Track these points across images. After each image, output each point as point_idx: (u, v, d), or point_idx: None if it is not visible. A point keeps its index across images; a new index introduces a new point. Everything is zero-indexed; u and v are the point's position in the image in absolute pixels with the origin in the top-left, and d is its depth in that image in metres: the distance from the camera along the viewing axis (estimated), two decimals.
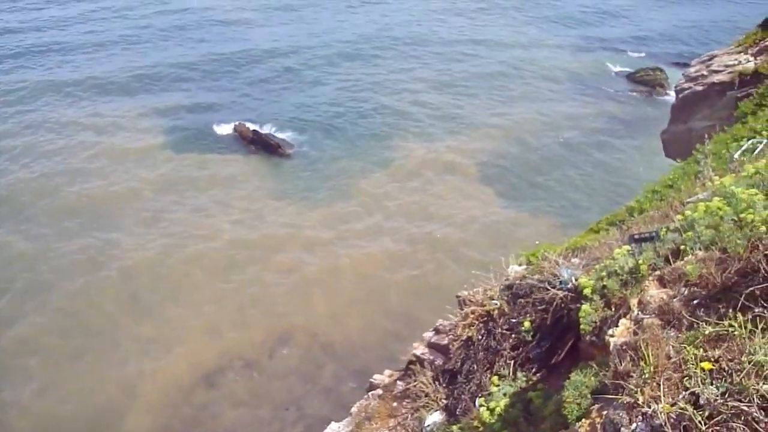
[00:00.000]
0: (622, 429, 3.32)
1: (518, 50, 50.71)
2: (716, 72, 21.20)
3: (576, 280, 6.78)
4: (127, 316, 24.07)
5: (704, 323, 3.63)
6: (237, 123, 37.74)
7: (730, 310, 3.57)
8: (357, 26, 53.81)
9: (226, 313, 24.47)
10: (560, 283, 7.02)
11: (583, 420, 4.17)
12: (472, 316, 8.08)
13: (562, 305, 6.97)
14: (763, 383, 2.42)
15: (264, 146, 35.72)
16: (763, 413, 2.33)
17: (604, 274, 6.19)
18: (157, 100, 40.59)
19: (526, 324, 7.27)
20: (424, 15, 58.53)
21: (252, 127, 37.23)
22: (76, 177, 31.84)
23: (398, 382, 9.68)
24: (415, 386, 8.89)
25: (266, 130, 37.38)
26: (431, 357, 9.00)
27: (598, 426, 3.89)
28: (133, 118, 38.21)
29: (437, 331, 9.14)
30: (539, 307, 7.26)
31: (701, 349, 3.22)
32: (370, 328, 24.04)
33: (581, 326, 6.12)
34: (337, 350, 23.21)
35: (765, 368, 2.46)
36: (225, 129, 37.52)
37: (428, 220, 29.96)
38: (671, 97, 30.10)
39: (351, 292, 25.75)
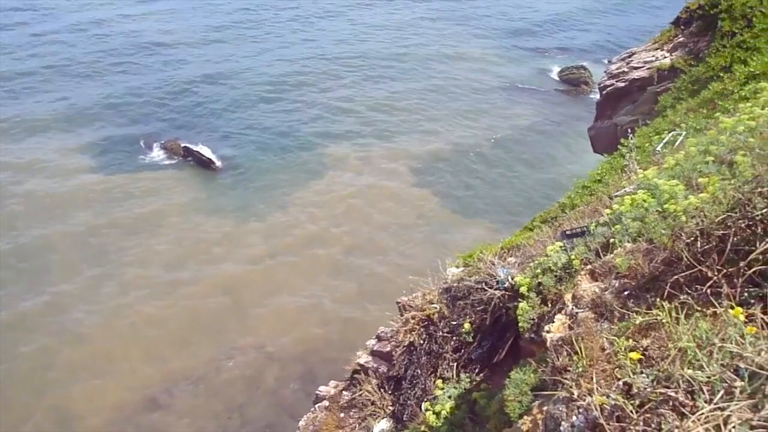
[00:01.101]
0: (563, 423, 3.35)
1: (445, 57, 51.32)
2: (636, 68, 21.93)
3: (512, 279, 6.87)
4: (62, 344, 23.23)
5: (634, 313, 3.71)
6: (167, 140, 36.97)
7: (658, 299, 3.65)
8: (284, 44, 53.35)
9: (167, 334, 23.92)
10: (497, 283, 7.10)
11: (525, 417, 4.21)
12: (412, 321, 8.09)
13: (500, 305, 7.05)
14: (688, 368, 2.48)
15: (196, 162, 35.12)
16: (689, 397, 2.39)
17: (538, 271, 6.30)
18: (85, 124, 39.05)
19: (466, 326, 7.32)
20: (351, 29, 58.57)
21: (182, 142, 36.53)
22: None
23: (344, 393, 9.62)
24: (360, 395, 8.84)
25: (197, 143, 36.72)
26: (375, 365, 8.97)
27: (540, 422, 3.93)
28: (59, 147, 36.71)
29: (379, 339, 9.11)
30: (478, 308, 7.32)
31: (631, 340, 3.28)
32: (315, 336, 23.94)
33: (519, 324, 6.20)
34: (282, 359, 23.10)
35: (689, 354, 2.53)
36: (156, 148, 36.65)
37: (364, 227, 30.00)
38: (596, 94, 30.98)
39: (292, 303, 25.57)
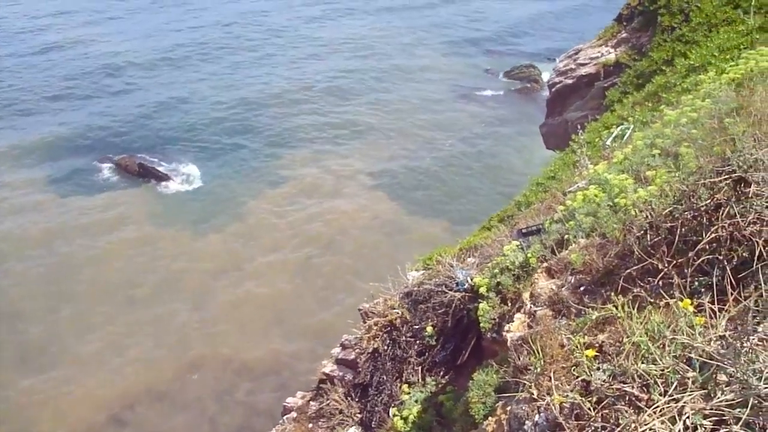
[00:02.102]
0: (526, 422, 3.38)
1: (395, 59, 51.54)
2: (583, 65, 22.35)
3: (471, 280, 6.92)
4: (19, 366, 22.66)
5: (590, 309, 3.76)
6: (121, 157, 36.31)
7: (613, 293, 3.71)
8: (238, 61, 52.68)
9: (128, 352, 23.52)
10: (457, 284, 7.15)
11: (490, 418, 4.23)
12: (375, 327, 8.09)
13: (461, 306, 7.09)
14: (642, 362, 2.53)
15: (152, 178, 34.61)
16: (644, 391, 2.43)
17: (497, 271, 6.35)
18: (36, 149, 37.93)
19: (429, 329, 7.35)
20: (301, 46, 58.33)
21: (137, 159, 35.93)
22: None
23: (311, 403, 9.55)
24: (328, 405, 8.80)
25: (152, 159, 36.21)
26: (341, 373, 8.94)
27: (504, 422, 3.95)
28: (8, 167, 35.84)
29: (344, 347, 9.09)
30: (439, 311, 7.35)
31: (588, 335, 3.33)
32: (280, 347, 23.82)
33: (481, 324, 6.24)
34: (250, 370, 22.96)
35: (642, 348, 2.58)
36: (109, 165, 35.95)
37: (323, 235, 29.95)
38: (546, 92, 31.46)
39: (256, 315, 25.40)
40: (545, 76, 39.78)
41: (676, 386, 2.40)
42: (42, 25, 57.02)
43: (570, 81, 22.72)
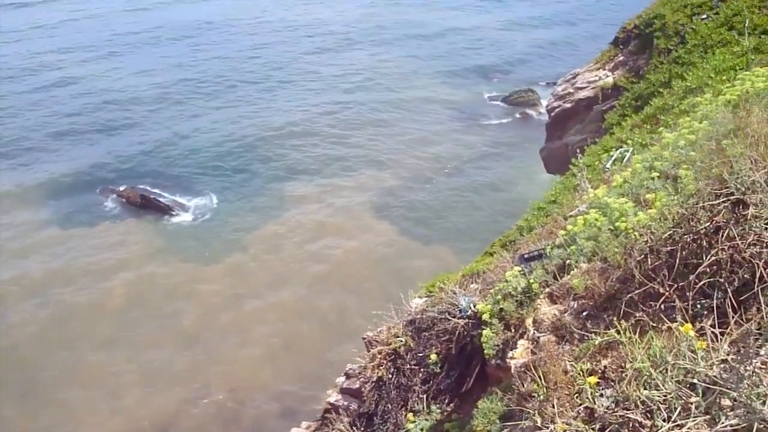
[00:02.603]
0: None
1: (395, 88, 51.85)
2: (581, 89, 22.51)
3: (474, 306, 6.90)
4: (18, 403, 22.51)
5: (593, 334, 3.76)
6: (123, 188, 36.46)
7: (615, 318, 3.70)
8: (236, 90, 53.16)
9: (131, 385, 23.40)
10: (460, 311, 7.13)
11: None
12: (379, 356, 8.05)
13: (465, 333, 7.06)
14: (645, 388, 2.52)
15: (154, 209, 34.68)
16: (648, 417, 2.42)
17: (499, 297, 6.34)
18: (33, 175, 38.45)
19: (433, 357, 7.31)
20: (293, 55, 58.92)
21: (139, 190, 36.05)
22: None
23: None
24: None
25: (154, 189, 36.32)
26: (345, 403, 8.87)
27: None
28: (5, 198, 36.03)
29: (348, 376, 9.04)
30: (443, 338, 7.32)
31: (591, 361, 3.32)
32: (285, 377, 23.69)
33: (485, 351, 6.22)
34: (256, 399, 22.81)
35: (644, 374, 2.57)
36: (111, 196, 36.09)
37: (326, 263, 29.92)
38: (545, 116, 31.64)
39: (260, 347, 25.26)
40: (544, 101, 40.00)
41: (679, 412, 2.39)
42: (43, 62, 57.57)
43: (569, 105, 22.86)
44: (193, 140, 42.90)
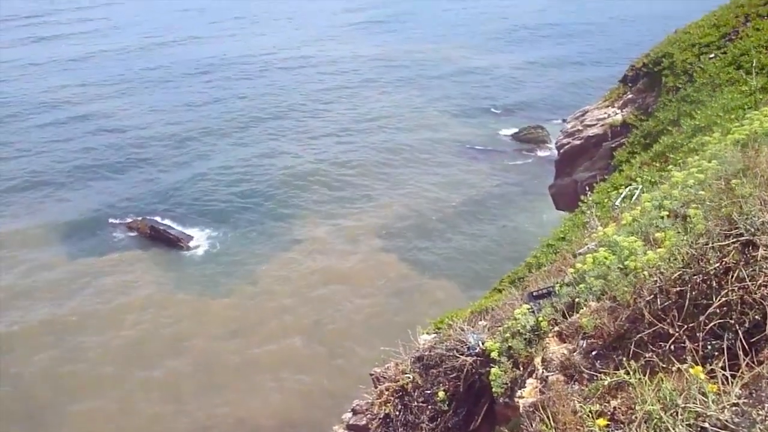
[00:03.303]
0: None
1: (404, 123, 52.23)
2: (590, 126, 22.59)
3: (483, 344, 6.86)
4: (26, 426, 22.42)
5: (602, 375, 3.72)
6: (133, 220, 36.70)
7: (624, 358, 3.68)
8: (245, 107, 54.03)
9: (138, 414, 23.27)
10: (468, 349, 7.08)
11: None
12: (386, 392, 7.98)
13: (473, 371, 7.00)
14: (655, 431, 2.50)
15: (163, 241, 34.82)
16: None
17: (508, 335, 6.29)
18: (45, 206, 38.87)
19: (441, 394, 7.25)
20: (304, 93, 59.56)
21: (149, 222, 36.26)
22: None
23: None
24: None
25: (164, 221, 36.50)
26: None
27: None
28: (20, 229, 36.30)
29: (355, 412, 8.94)
30: (451, 376, 7.26)
31: (599, 403, 3.29)
32: (291, 412, 23.51)
33: (493, 389, 6.16)
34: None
35: (654, 417, 2.55)
36: (121, 227, 36.33)
37: (334, 297, 29.88)
38: (554, 152, 31.72)
39: (266, 378, 25.16)
40: (553, 138, 40.14)
41: None
42: (56, 97, 58.52)
43: (578, 142, 22.93)
44: (203, 175, 43.24)
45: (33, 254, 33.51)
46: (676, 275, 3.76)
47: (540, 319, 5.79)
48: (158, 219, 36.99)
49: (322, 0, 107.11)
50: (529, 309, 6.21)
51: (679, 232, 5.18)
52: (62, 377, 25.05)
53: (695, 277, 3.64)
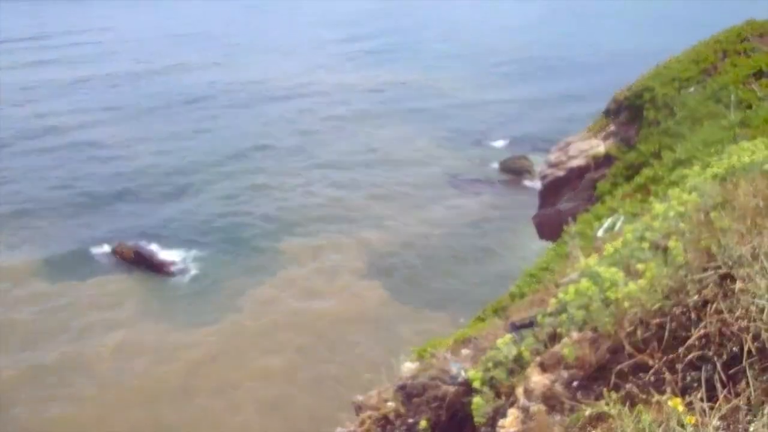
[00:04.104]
0: None
1: (391, 153, 52.50)
2: (573, 157, 22.87)
3: (465, 373, 6.85)
4: None
5: (584, 405, 3.75)
6: (117, 243, 36.37)
7: (605, 389, 3.70)
8: (236, 145, 53.98)
9: None
10: (450, 378, 7.07)
11: None
12: (369, 420, 7.93)
13: (456, 400, 6.99)
14: None
15: (147, 266, 34.53)
16: None
17: (490, 364, 6.30)
18: (27, 230, 38.47)
19: (423, 423, 7.21)
20: (294, 122, 59.90)
21: (133, 246, 35.95)
22: None
23: None
24: None
25: (149, 246, 36.22)
26: None
27: None
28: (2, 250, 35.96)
29: None
30: (434, 405, 7.24)
31: None
32: None
33: (475, 419, 6.14)
34: None
35: None
36: (105, 251, 36.00)
37: (317, 325, 29.71)
38: (538, 182, 31.98)
39: (249, 406, 24.89)
40: (537, 168, 40.50)
41: None
42: (48, 122, 58.43)
43: (561, 173, 23.17)
44: (188, 199, 43.18)
45: (9, 275, 33.09)
46: (656, 307, 3.81)
47: (522, 349, 5.81)
48: (143, 243, 36.71)
49: (314, 30, 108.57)
50: (511, 339, 6.22)
51: (659, 264, 5.25)
52: (34, 401, 24.59)
53: (675, 309, 3.69)
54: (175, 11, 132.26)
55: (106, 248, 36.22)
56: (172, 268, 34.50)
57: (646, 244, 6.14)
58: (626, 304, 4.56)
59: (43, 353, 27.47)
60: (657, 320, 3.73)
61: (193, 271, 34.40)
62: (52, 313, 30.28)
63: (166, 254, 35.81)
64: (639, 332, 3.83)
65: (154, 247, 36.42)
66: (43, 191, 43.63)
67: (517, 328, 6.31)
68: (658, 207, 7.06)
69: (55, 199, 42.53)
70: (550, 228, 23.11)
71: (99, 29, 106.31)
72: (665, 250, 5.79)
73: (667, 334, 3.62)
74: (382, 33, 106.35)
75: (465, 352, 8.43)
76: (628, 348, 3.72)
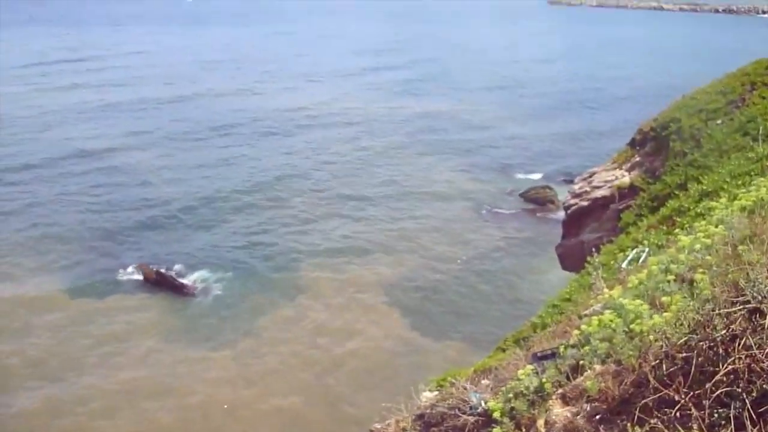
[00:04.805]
0: None
1: (412, 179, 52.61)
2: (598, 187, 22.73)
3: (485, 403, 6.75)
4: None
5: None
6: (140, 264, 36.71)
7: (629, 424, 3.62)
8: (259, 170, 54.56)
9: None
10: (470, 408, 6.97)
11: None
12: None
13: (475, 430, 6.88)
14: None
15: (169, 288, 34.75)
16: None
17: (511, 395, 6.20)
18: (54, 249, 39.01)
19: None
20: (320, 149, 60.45)
21: (156, 268, 36.24)
22: None
23: None
24: None
25: (172, 269, 36.47)
26: None
27: None
28: (25, 266, 36.44)
29: None
30: None
31: None
32: None
33: None
34: None
35: None
36: (129, 271, 36.33)
37: (336, 351, 29.54)
38: (562, 213, 31.81)
39: (266, 428, 24.74)
40: (561, 197, 40.30)
41: None
42: (76, 145, 59.60)
43: (585, 203, 23.03)
44: (213, 225, 43.53)
45: (33, 293, 33.52)
46: (682, 341, 3.73)
47: (544, 380, 5.72)
48: (165, 264, 37.00)
49: (344, 58, 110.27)
50: (533, 370, 6.14)
51: (685, 297, 5.16)
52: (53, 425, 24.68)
53: (701, 343, 3.61)
54: (205, 37, 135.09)
55: (130, 269, 36.58)
56: (193, 290, 34.68)
57: (671, 277, 6.04)
58: (651, 337, 4.48)
59: (59, 368, 27.64)
60: (683, 354, 3.65)
61: (215, 295, 34.49)
62: (69, 328, 30.51)
63: (186, 275, 36.05)
64: (664, 366, 3.74)
65: (177, 270, 36.68)
66: (70, 215, 44.26)
67: (539, 359, 6.22)
68: (684, 239, 6.96)
69: (82, 223, 43.04)
70: (572, 258, 22.92)
71: (131, 53, 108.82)
72: (691, 283, 5.69)
73: (693, 368, 3.54)
74: (411, 63, 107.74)
75: (485, 382, 8.33)
76: (652, 382, 3.64)
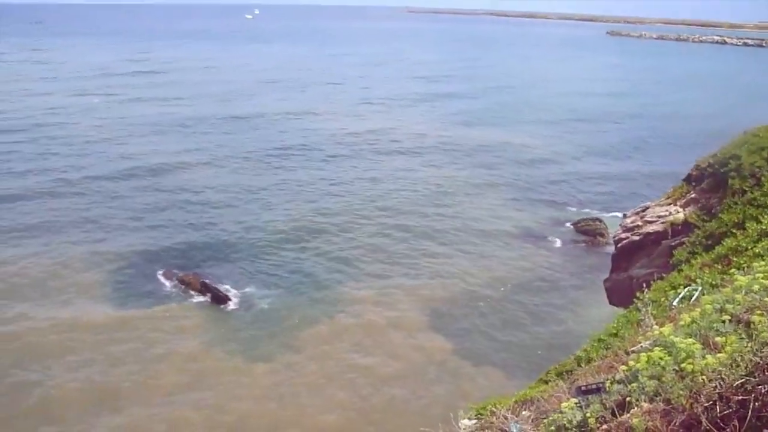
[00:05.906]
0: None
1: (460, 205, 52.48)
2: (650, 222, 22.25)
3: None
4: None
5: None
6: (184, 273, 37.33)
7: None
8: (307, 187, 55.36)
9: None
10: None
11: None
12: None
13: None
14: None
15: (213, 297, 35.20)
16: None
17: (553, 428, 6.05)
18: (98, 252, 40.11)
19: None
20: (369, 177, 60.87)
21: (200, 277, 36.80)
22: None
23: None
24: None
25: (214, 280, 36.98)
26: None
27: None
28: (70, 274, 37.39)
29: None
30: None
31: None
32: None
33: None
34: None
35: None
36: (172, 280, 36.99)
37: (376, 372, 29.37)
38: (611, 246, 31.20)
39: None
40: (611, 231, 39.56)
41: None
42: (124, 147, 61.36)
43: (636, 237, 22.58)
44: (256, 233, 44.23)
45: (76, 299, 34.35)
46: (738, 383, 3.58)
47: (588, 415, 5.56)
48: (209, 274, 37.55)
49: (403, 84, 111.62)
50: (576, 403, 5.98)
51: (742, 338, 4.96)
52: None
53: (759, 387, 3.46)
54: (264, 54, 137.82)
55: (173, 277, 37.28)
56: (236, 301, 35.05)
57: (726, 317, 5.82)
58: (703, 377, 4.31)
59: (102, 372, 28.14)
60: (739, 397, 3.50)
61: (256, 305, 34.76)
62: (112, 333, 31.11)
63: (231, 287, 36.49)
64: (718, 408, 3.59)
65: (219, 278, 37.17)
66: (118, 214, 45.63)
67: (583, 393, 6.05)
68: (742, 279, 6.72)
69: (134, 232, 44.22)
70: (620, 293, 22.44)
71: (198, 68, 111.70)
72: (748, 324, 5.48)
73: (750, 413, 3.38)
74: (472, 92, 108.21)
75: (526, 413, 8.16)
76: (705, 424, 3.49)
